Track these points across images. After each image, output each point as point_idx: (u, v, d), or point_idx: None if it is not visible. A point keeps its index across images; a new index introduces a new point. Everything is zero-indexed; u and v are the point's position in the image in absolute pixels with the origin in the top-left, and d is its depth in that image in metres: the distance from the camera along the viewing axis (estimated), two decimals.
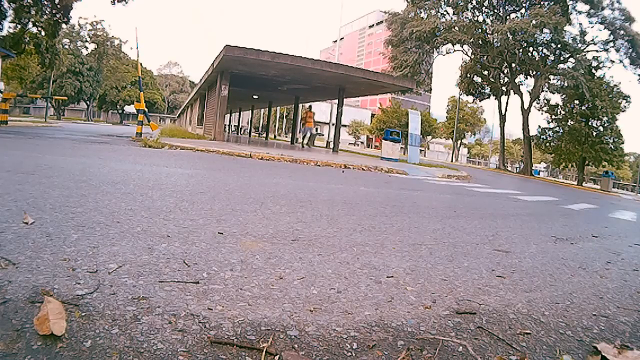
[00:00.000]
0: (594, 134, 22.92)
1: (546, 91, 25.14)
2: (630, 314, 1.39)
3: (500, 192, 7.13)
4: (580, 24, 24.42)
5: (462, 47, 25.84)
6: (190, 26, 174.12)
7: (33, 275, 1.07)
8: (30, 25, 19.34)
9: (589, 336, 1.15)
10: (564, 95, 24.15)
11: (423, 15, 24.06)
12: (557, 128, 24.98)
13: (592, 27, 23.12)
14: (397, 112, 40.20)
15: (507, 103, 41.71)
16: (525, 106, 25.45)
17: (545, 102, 25.53)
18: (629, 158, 51.17)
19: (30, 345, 0.77)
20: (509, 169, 40.21)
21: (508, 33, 20.37)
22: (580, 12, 22.50)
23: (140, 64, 11.13)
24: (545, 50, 23.31)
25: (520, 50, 23.21)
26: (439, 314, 1.18)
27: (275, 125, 49.30)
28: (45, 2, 18.51)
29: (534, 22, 19.81)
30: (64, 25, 22.07)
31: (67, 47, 39.66)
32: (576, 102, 23.21)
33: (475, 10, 24.57)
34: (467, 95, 30.72)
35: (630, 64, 22.42)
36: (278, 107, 44.01)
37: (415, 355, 0.93)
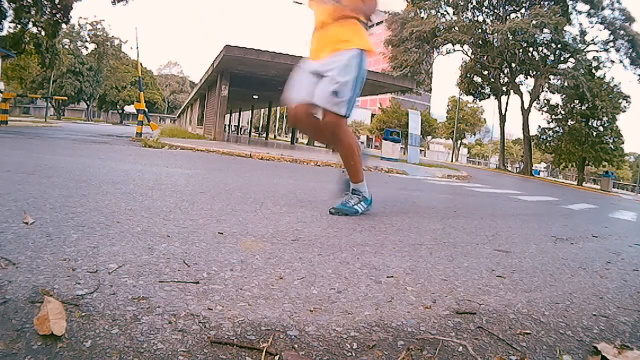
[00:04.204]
0: (594, 134, 22.93)
1: (546, 91, 25.16)
2: (630, 314, 1.39)
3: (500, 192, 7.13)
4: (580, 24, 24.53)
5: (462, 47, 25.84)
6: (190, 26, 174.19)
7: (33, 275, 1.07)
8: (30, 25, 19.36)
9: (589, 336, 1.15)
10: (564, 95, 24.16)
11: (423, 15, 24.08)
12: (557, 128, 25.00)
13: (592, 27, 23.17)
14: (397, 112, 40.23)
15: (507, 103, 41.74)
16: (525, 106, 25.46)
17: (545, 102, 25.54)
18: (629, 158, 51.17)
19: (30, 345, 0.77)
20: (509, 169, 40.19)
21: (508, 33, 20.37)
22: (580, 12, 22.52)
23: (140, 64, 11.13)
24: (545, 50, 23.33)
25: (520, 50, 23.22)
26: (439, 314, 1.18)
27: (275, 125, 49.27)
28: (45, 2, 18.52)
29: (534, 22, 19.82)
30: (64, 25, 22.07)
31: (67, 47, 39.65)
32: (576, 102, 23.22)
33: (475, 10, 24.57)
34: (467, 95, 30.74)
35: (631, 64, 22.43)
36: (278, 107, 44.00)
37: (415, 355, 0.93)
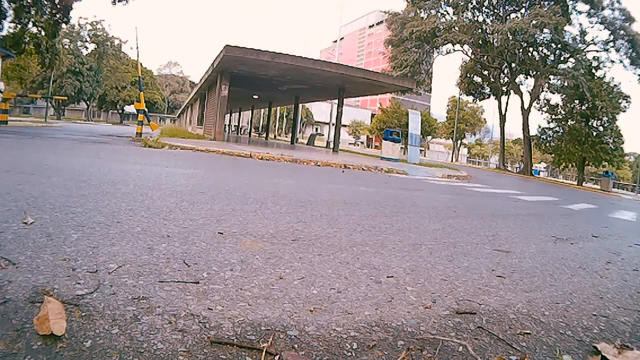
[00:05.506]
0: (594, 134, 22.91)
1: (546, 91, 25.13)
2: (630, 314, 1.39)
3: (500, 192, 7.12)
4: (580, 24, 24.51)
5: (462, 47, 25.84)
6: (190, 26, 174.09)
7: (33, 275, 1.07)
8: (30, 25, 19.33)
9: (589, 336, 1.15)
10: (564, 95, 24.14)
11: (423, 15, 24.08)
12: (557, 128, 24.97)
13: (592, 27, 23.16)
14: (397, 112, 40.19)
15: (507, 103, 41.76)
16: (525, 106, 25.46)
17: (545, 102, 25.51)
18: (629, 158, 51.15)
19: (30, 345, 0.77)
20: (509, 169, 40.19)
21: (508, 33, 20.37)
22: (580, 12, 22.51)
23: (140, 64, 11.14)
24: (545, 50, 23.32)
25: (520, 50, 23.22)
26: (439, 314, 1.18)
27: (275, 125, 49.27)
28: (45, 2, 18.50)
29: (534, 22, 19.82)
30: (64, 25, 22.04)
31: (67, 47, 39.60)
32: (576, 102, 23.20)
33: (475, 10, 24.57)
34: (467, 95, 30.73)
35: (630, 64, 22.43)
36: (278, 107, 43.98)
37: (415, 355, 0.93)
